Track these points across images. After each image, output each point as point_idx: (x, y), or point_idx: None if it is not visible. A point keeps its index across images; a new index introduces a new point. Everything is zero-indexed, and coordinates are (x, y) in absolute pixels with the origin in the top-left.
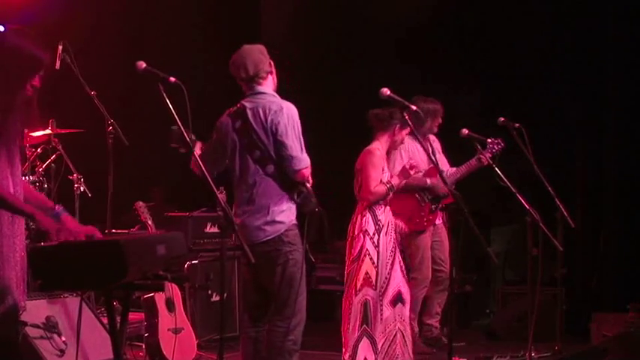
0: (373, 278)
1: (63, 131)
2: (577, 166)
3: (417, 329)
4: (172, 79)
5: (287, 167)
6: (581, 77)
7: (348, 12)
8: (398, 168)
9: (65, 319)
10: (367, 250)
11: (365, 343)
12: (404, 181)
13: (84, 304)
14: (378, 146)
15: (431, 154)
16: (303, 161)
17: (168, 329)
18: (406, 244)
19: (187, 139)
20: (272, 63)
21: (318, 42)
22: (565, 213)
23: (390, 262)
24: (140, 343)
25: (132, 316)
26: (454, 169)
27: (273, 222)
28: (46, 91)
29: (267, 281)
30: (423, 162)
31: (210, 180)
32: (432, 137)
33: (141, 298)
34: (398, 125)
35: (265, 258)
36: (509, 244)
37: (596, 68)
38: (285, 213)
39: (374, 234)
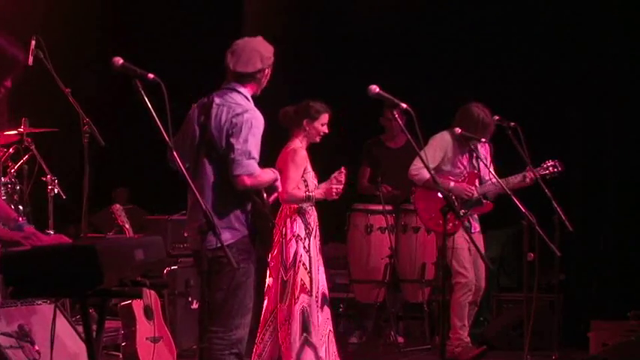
0: (308, 285)
1: (36, 130)
2: (575, 166)
3: (467, 339)
4: (151, 75)
5: (229, 172)
6: (580, 74)
7: (334, 9)
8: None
9: (38, 327)
10: (301, 255)
11: (307, 352)
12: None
13: (58, 312)
14: (299, 144)
15: (473, 160)
16: (244, 167)
17: (147, 338)
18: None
19: None
20: (268, 73)
21: (303, 38)
22: (563, 216)
23: (318, 265)
24: (117, 353)
25: (108, 324)
26: (493, 181)
27: (230, 228)
28: (18, 88)
29: (213, 289)
30: (459, 167)
31: (185, 174)
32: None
33: (118, 305)
34: (305, 120)
35: (216, 263)
36: (504, 249)
37: (595, 65)
38: (240, 221)
39: (305, 238)
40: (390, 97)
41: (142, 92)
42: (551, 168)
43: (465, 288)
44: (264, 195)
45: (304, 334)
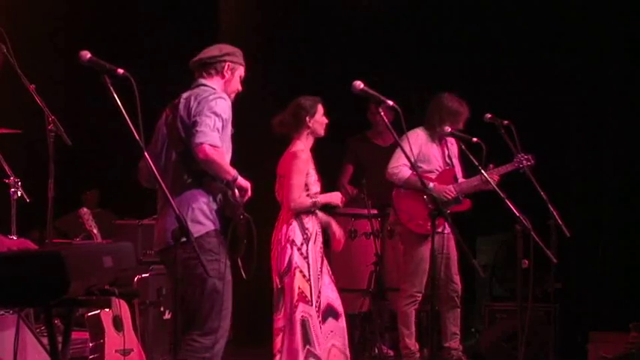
0: (307, 293)
1: None
2: (573, 168)
3: (414, 348)
4: (120, 70)
5: (191, 144)
6: (578, 70)
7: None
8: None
9: (1, 338)
10: (296, 262)
11: None
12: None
13: (22, 323)
14: (302, 147)
15: (446, 157)
16: (207, 136)
17: (116, 350)
18: (404, 250)
19: None
20: (231, 67)
21: (282, 34)
22: (559, 220)
23: (320, 273)
24: None
25: (75, 335)
26: (466, 180)
27: (193, 222)
28: None
29: (186, 292)
30: (434, 163)
31: (157, 173)
32: (450, 140)
33: (85, 315)
34: (307, 117)
35: (183, 266)
36: (497, 256)
37: (594, 61)
38: (205, 214)
39: (302, 244)
40: (376, 94)
41: (111, 88)
42: (524, 162)
43: (410, 299)
44: (235, 192)
45: (307, 347)
